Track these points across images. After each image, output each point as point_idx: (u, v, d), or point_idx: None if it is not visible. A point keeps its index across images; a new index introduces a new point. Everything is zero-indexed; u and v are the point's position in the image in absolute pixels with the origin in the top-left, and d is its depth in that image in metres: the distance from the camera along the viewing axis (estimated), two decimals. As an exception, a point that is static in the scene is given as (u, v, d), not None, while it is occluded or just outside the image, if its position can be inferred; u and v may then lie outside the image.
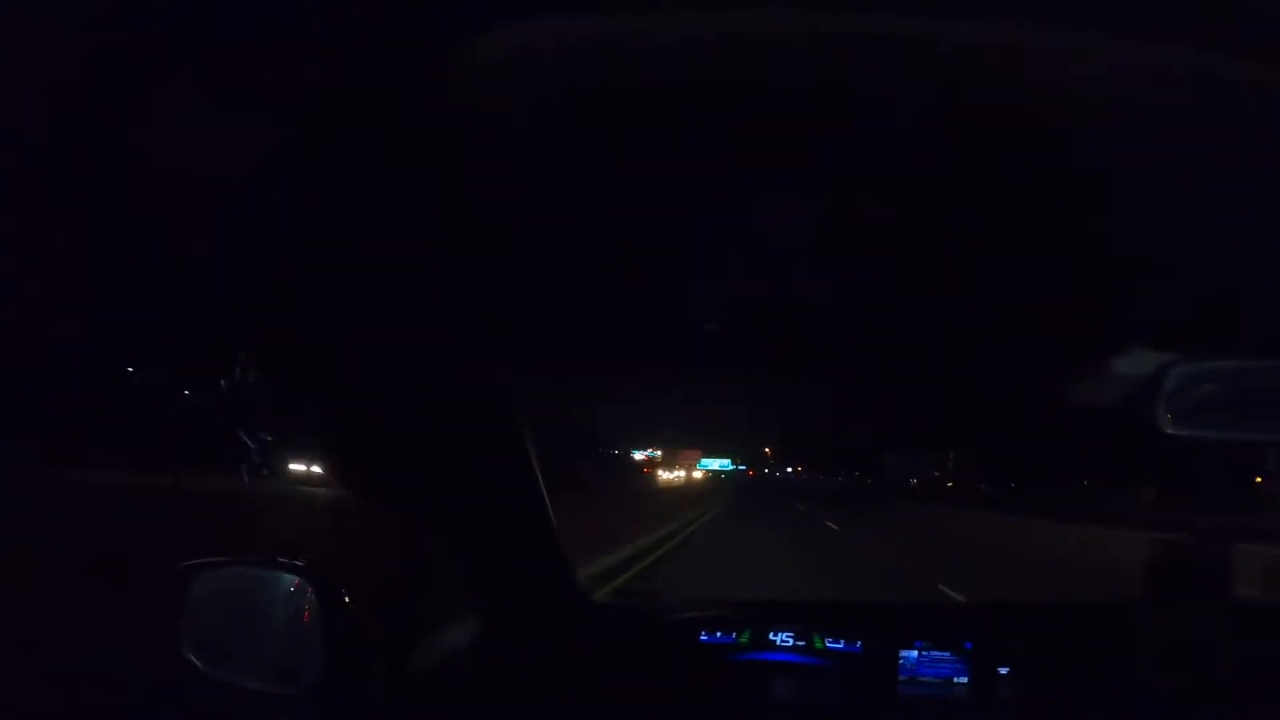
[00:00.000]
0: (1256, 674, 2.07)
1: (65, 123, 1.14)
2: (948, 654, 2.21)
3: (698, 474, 66.67)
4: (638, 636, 2.17)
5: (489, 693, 1.97)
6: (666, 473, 60.48)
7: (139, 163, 1.24)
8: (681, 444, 73.99)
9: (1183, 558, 2.35)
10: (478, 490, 2.00)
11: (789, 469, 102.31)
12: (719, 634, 2.20)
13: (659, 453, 70.86)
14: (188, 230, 1.60)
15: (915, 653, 2.20)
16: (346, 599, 1.99)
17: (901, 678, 2.19)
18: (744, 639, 2.20)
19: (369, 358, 1.98)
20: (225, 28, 1.08)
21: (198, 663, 1.82)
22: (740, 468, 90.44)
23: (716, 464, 73.86)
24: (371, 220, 1.82)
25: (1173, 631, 2.12)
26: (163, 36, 1.04)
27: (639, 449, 64.98)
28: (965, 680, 2.20)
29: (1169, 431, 1.59)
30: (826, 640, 2.20)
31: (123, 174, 1.33)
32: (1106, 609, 2.53)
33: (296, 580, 1.96)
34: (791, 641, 2.20)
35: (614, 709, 2.06)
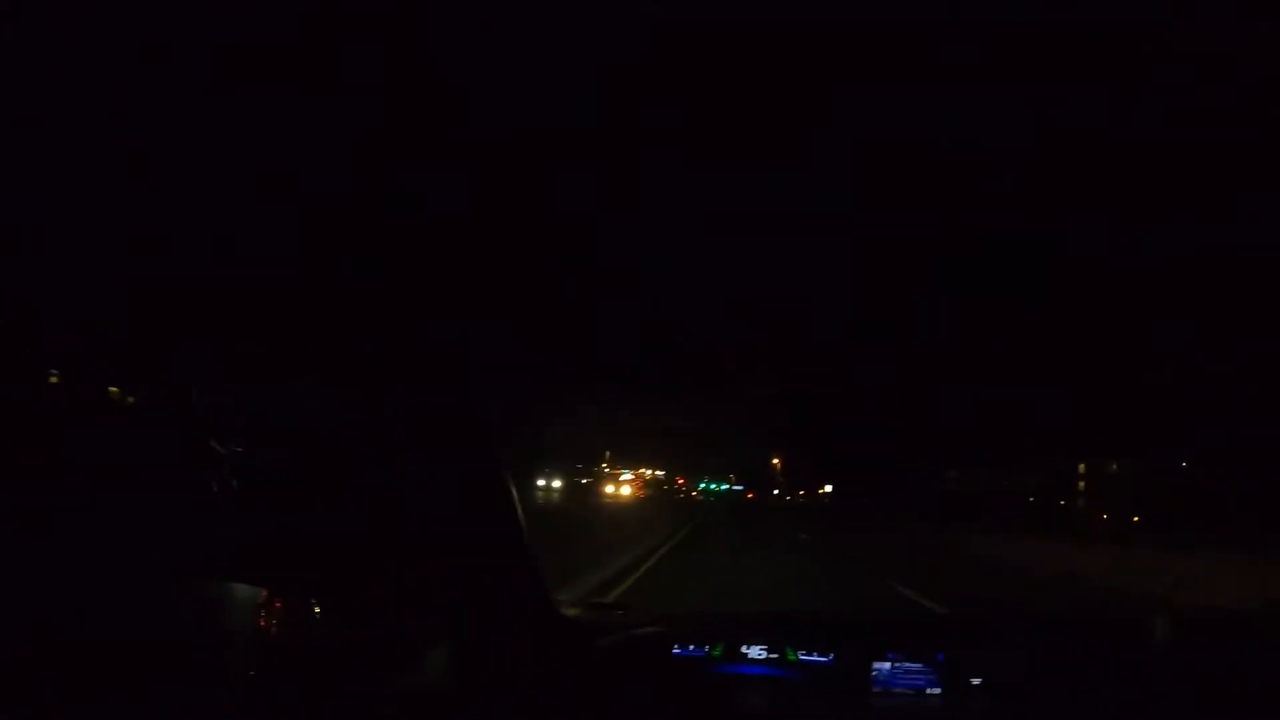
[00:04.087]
0: (1228, 690, 2.08)
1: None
2: (920, 665, 2.20)
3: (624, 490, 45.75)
4: (612, 651, 2.15)
5: (467, 710, 1.95)
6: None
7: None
8: (680, 463, 61.54)
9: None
10: (455, 506, 2.00)
11: (816, 489, 69.41)
12: (692, 647, 2.19)
13: (649, 471, 58.46)
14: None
15: (888, 664, 2.20)
16: (317, 611, 1.97)
17: (875, 689, 2.19)
18: (717, 652, 2.19)
19: (340, 381, 1.98)
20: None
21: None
22: (735, 488, 67.16)
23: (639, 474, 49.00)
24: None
25: (1148, 648, 2.15)
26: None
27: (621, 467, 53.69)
28: (938, 691, 2.20)
29: None
30: (799, 652, 2.19)
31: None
32: (1079, 624, 2.53)
33: (264, 592, 1.94)
34: (764, 654, 2.19)
35: None
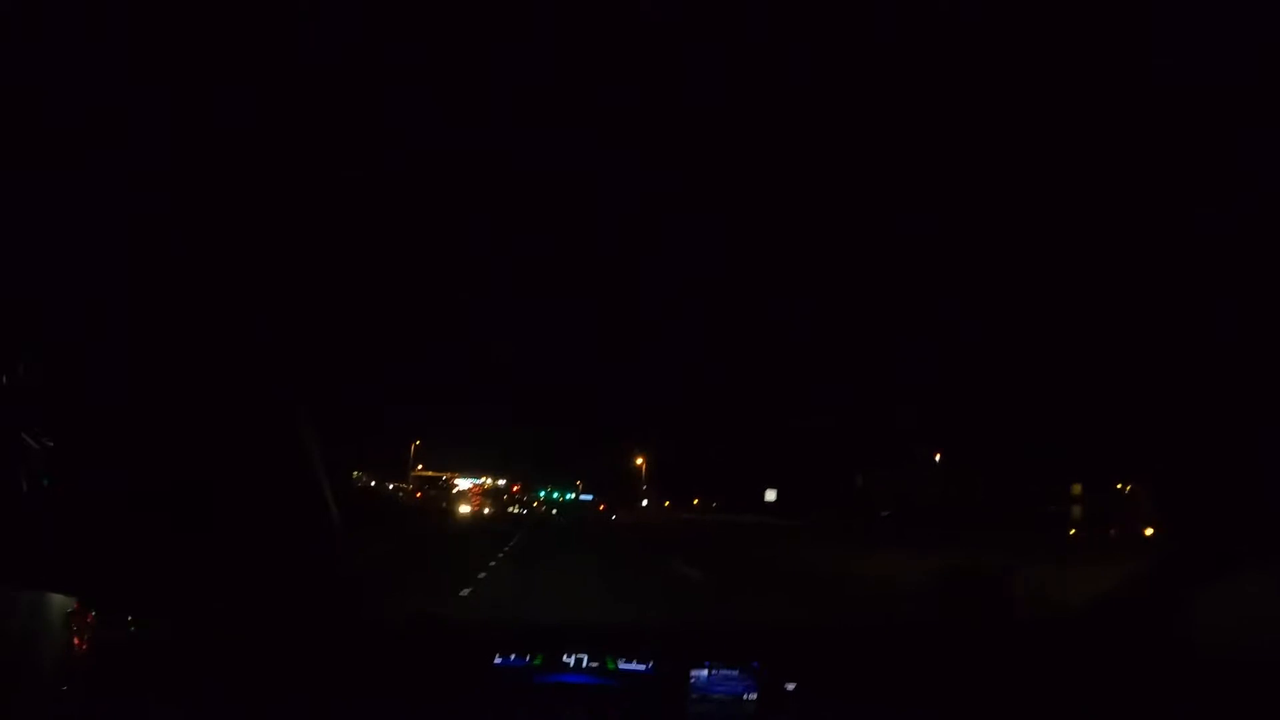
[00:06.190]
0: (1033, 691, 2.22)
1: None
2: (736, 671, 2.27)
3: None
4: (432, 659, 2.17)
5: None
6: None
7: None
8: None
9: (968, 581, 2.44)
10: (262, 510, 1.98)
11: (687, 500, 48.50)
12: (513, 657, 2.22)
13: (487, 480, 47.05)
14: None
15: (706, 671, 2.26)
16: (133, 627, 1.88)
17: (693, 695, 2.25)
18: (538, 662, 2.22)
19: (149, 373, 1.88)
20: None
21: None
22: (584, 497, 51.65)
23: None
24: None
25: (954, 651, 2.23)
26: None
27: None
28: (754, 696, 2.27)
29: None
30: (619, 661, 2.24)
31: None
32: (889, 629, 2.62)
33: (75, 603, 1.84)
34: (585, 663, 2.23)
35: None
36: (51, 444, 1.86)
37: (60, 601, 1.81)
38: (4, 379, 1.85)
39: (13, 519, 1.84)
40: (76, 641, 1.82)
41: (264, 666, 1.96)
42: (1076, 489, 23.30)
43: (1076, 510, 23.36)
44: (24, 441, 1.84)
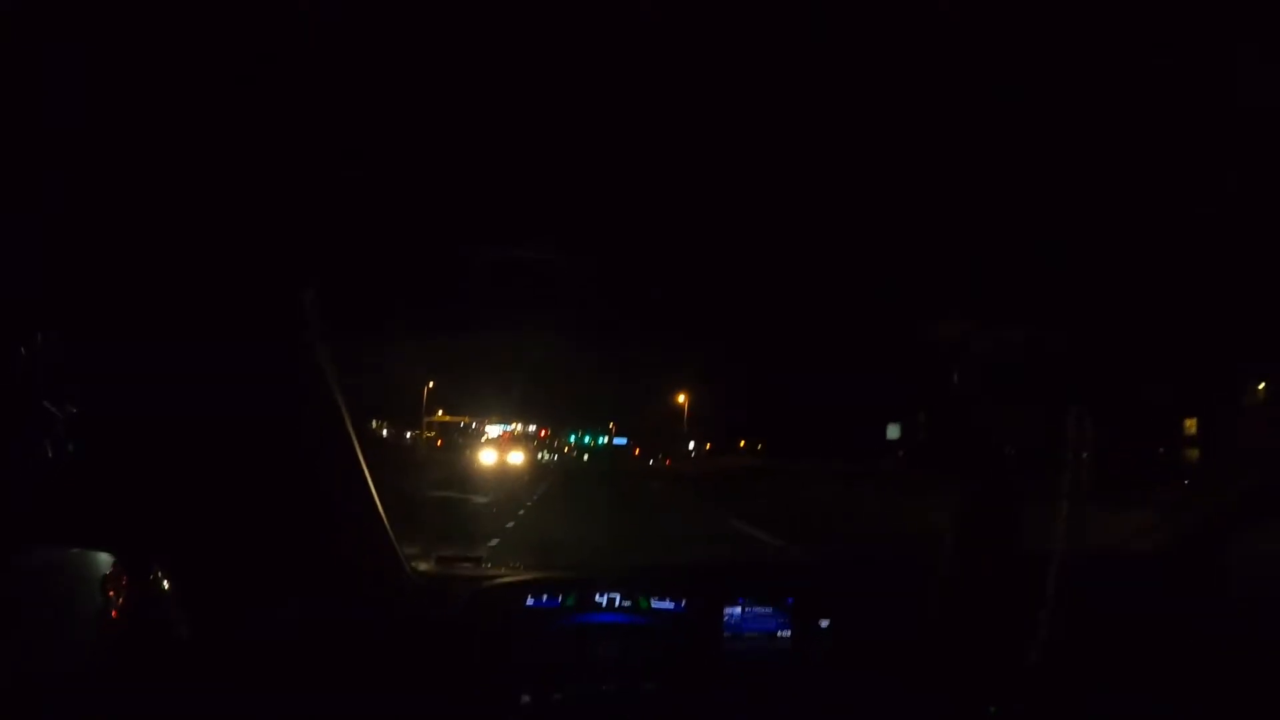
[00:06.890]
0: (1060, 621, 2.12)
1: None
2: (770, 609, 2.28)
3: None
4: (464, 604, 2.18)
5: (314, 669, 1.93)
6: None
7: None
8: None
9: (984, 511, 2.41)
10: (297, 466, 1.95)
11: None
12: (545, 598, 2.21)
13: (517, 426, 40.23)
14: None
15: (739, 609, 2.27)
16: (165, 583, 1.91)
17: (726, 633, 2.26)
18: (570, 601, 2.21)
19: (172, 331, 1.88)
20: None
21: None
22: (617, 440, 46.65)
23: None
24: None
25: (979, 582, 2.15)
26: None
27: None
28: (788, 633, 2.28)
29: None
30: (652, 600, 2.24)
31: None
32: (918, 561, 2.64)
33: (111, 565, 1.86)
34: (617, 602, 2.23)
35: (444, 677, 2.06)
36: (75, 410, 1.87)
37: (99, 562, 1.83)
38: (23, 349, 1.87)
39: (43, 484, 1.86)
40: (112, 594, 1.83)
41: (296, 623, 1.97)
42: (1190, 425, 18.67)
43: (1192, 453, 18.34)
44: (47, 409, 1.86)
